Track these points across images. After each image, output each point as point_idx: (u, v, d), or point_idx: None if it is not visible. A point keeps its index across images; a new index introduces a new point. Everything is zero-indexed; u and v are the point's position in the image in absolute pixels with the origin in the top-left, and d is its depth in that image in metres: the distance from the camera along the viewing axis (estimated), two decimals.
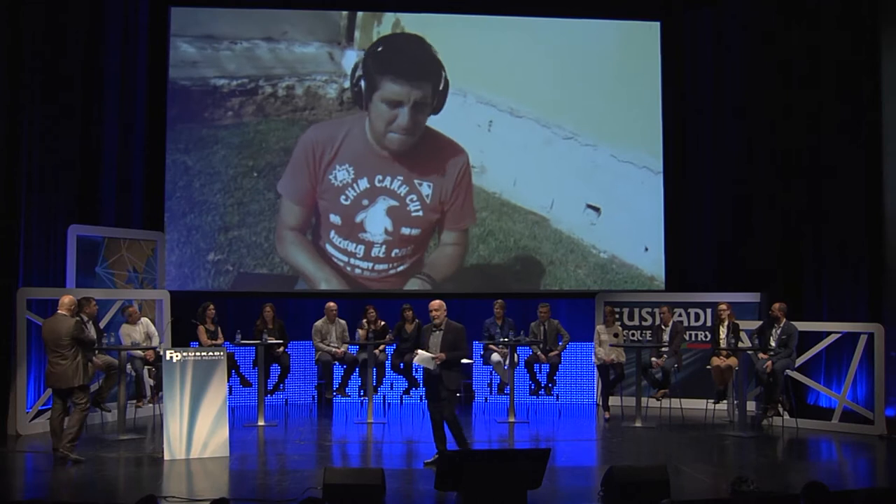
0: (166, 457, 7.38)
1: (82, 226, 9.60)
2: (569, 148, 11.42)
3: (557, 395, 10.62)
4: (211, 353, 7.71)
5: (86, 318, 8.03)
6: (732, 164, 11.08)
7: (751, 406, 9.47)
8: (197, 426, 7.51)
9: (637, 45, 11.45)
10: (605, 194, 11.39)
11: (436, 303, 7.44)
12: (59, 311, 7.52)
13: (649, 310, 10.67)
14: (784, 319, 9.02)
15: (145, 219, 10.71)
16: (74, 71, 9.79)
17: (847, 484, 6.96)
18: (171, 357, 7.53)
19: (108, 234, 9.87)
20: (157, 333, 9.46)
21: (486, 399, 10.75)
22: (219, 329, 9.93)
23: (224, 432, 7.63)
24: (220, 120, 11.08)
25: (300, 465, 7.38)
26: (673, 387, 9.82)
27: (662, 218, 11.26)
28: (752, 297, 10.31)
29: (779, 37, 10.56)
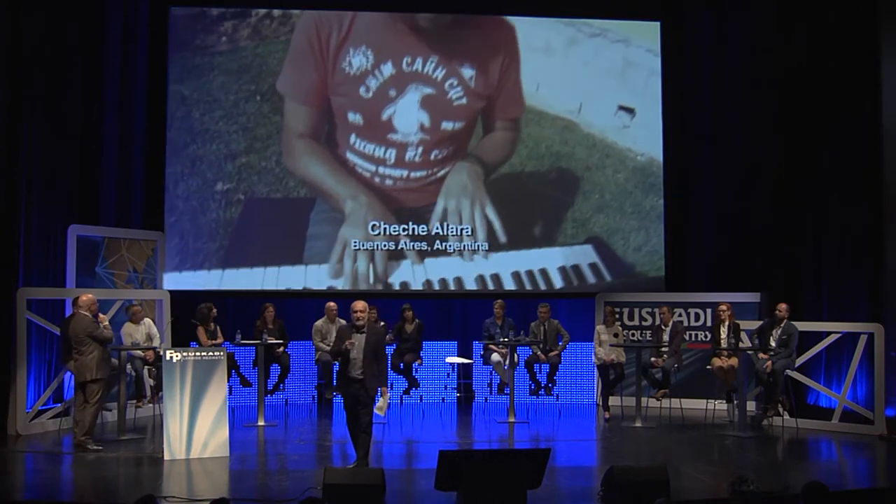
0: (166, 457, 7.38)
1: (82, 226, 9.60)
2: (596, 46, 10.57)
3: (557, 395, 10.62)
4: (211, 353, 7.70)
5: None
6: (732, 165, 11.08)
7: (751, 406, 9.47)
8: (197, 426, 7.50)
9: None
10: (638, 94, 10.72)
11: (360, 304, 6.93)
12: (79, 310, 7.90)
13: (649, 310, 10.66)
14: (786, 319, 9.02)
15: (145, 219, 10.69)
16: (74, 71, 9.79)
17: (847, 484, 6.96)
18: (171, 357, 7.53)
19: (108, 234, 9.87)
20: (158, 335, 9.46)
21: (486, 399, 10.74)
22: (218, 329, 9.92)
23: (224, 432, 7.62)
24: (214, 46, 10.34)
25: (300, 465, 7.38)
26: (673, 387, 9.81)
27: (663, 216, 11.24)
28: (752, 297, 10.31)
29: (779, 37, 10.57)
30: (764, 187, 10.78)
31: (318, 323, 10.07)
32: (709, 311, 10.32)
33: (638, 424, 9.22)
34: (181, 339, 9.90)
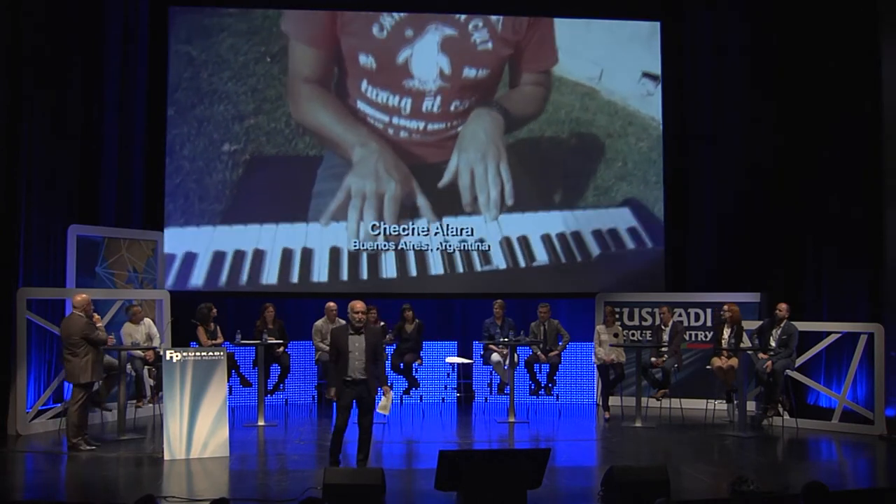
0: (166, 457, 7.38)
1: (82, 226, 9.61)
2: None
3: (557, 395, 10.61)
4: (211, 353, 7.70)
5: None
6: (732, 165, 11.09)
7: (751, 406, 9.47)
8: (197, 426, 7.50)
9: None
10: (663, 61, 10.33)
11: (360, 304, 6.81)
12: (74, 311, 7.83)
13: (649, 310, 10.66)
14: (786, 319, 9.03)
15: (145, 219, 10.69)
16: (74, 71, 9.79)
17: (847, 484, 6.96)
18: (171, 357, 7.53)
19: (108, 234, 9.87)
20: (158, 335, 9.46)
21: (486, 399, 10.73)
22: (218, 329, 9.92)
23: (224, 432, 7.62)
24: (224, 7, 10.15)
25: (300, 465, 7.38)
26: (673, 387, 9.81)
27: (663, 214, 11.22)
28: (752, 297, 10.31)
29: (779, 37, 10.59)
30: (764, 187, 10.79)
31: (318, 323, 10.06)
32: (709, 311, 10.34)
33: (638, 424, 9.22)
34: (181, 339, 9.90)
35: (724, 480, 6.40)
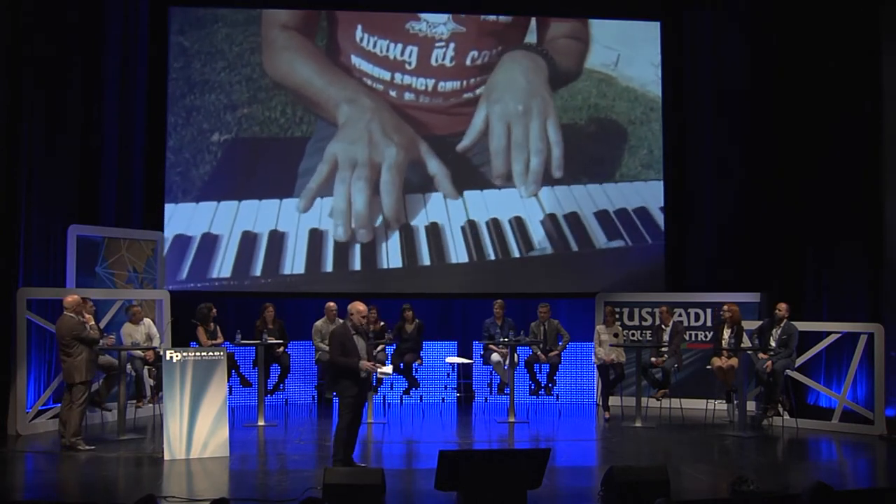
0: (166, 457, 7.38)
1: (82, 226, 9.60)
2: None
3: (557, 395, 10.62)
4: (211, 353, 7.70)
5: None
6: (733, 165, 11.08)
7: (751, 406, 9.47)
8: (197, 426, 7.50)
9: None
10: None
11: (363, 306, 6.89)
12: (65, 312, 7.82)
13: (649, 310, 10.65)
14: (785, 319, 9.03)
15: (145, 219, 10.69)
16: (74, 71, 9.79)
17: (847, 484, 6.95)
18: (171, 357, 7.53)
19: (108, 234, 9.87)
20: (158, 335, 9.45)
21: (486, 399, 10.73)
22: (218, 329, 9.92)
23: (224, 432, 7.63)
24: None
25: (300, 465, 7.38)
26: (673, 387, 9.81)
27: (663, 217, 11.22)
28: (752, 297, 10.31)
29: (779, 37, 10.59)
30: (764, 187, 10.79)
31: (318, 323, 10.05)
32: (709, 311, 10.33)
33: (638, 424, 9.22)
34: (181, 339, 9.90)
35: (724, 480, 6.40)
